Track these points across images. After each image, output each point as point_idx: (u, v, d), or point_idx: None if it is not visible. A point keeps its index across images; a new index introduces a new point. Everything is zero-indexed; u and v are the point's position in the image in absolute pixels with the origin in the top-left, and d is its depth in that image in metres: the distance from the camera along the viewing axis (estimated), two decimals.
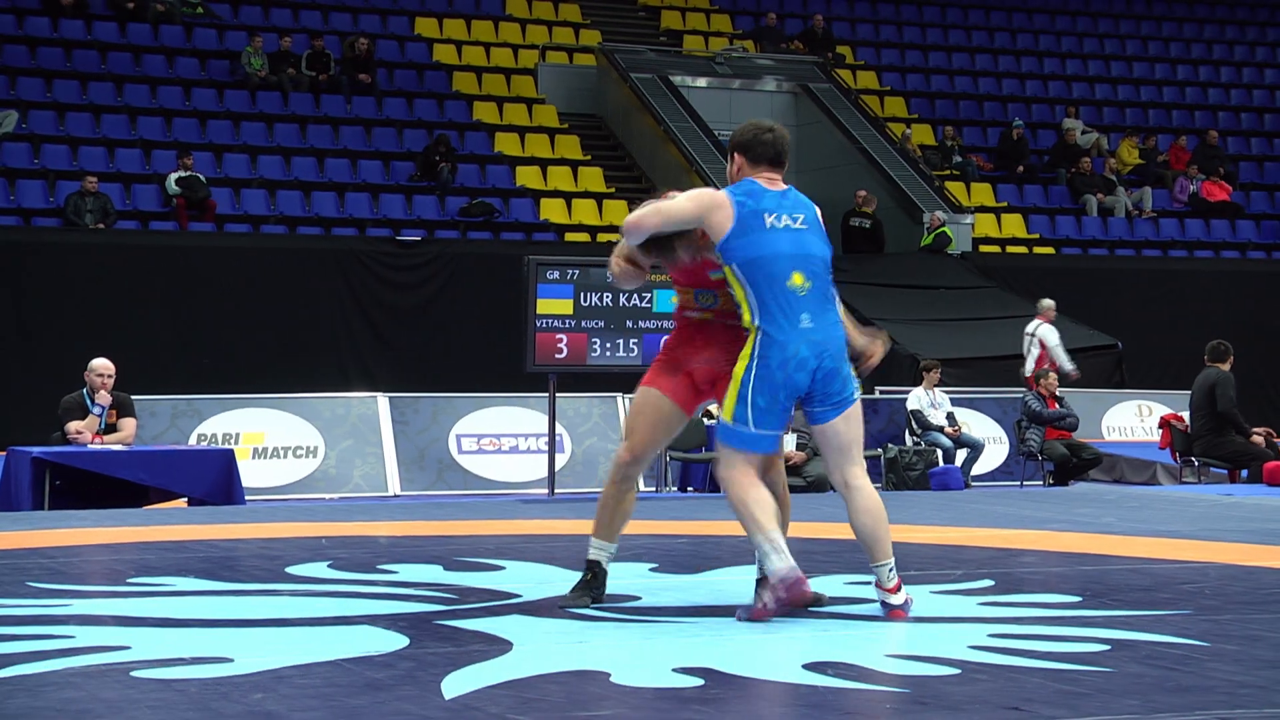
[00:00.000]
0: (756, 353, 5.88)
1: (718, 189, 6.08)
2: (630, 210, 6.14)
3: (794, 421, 14.95)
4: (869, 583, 6.68)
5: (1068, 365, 18.13)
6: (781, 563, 5.78)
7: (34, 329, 18.01)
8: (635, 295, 12.65)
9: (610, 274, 6.31)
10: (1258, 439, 14.74)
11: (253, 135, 22.28)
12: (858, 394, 6.12)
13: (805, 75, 26.53)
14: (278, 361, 18.56)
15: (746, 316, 5.91)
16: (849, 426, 6.04)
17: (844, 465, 6.03)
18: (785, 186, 6.10)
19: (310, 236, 20.46)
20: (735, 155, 6.12)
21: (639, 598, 6.42)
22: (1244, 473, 14.81)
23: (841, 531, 8.94)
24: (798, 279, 5.91)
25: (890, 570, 5.91)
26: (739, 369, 5.90)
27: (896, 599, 5.89)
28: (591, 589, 6.21)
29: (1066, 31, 30.86)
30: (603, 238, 21.73)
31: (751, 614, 5.83)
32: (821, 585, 6.66)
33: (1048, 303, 18.73)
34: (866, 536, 5.96)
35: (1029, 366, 18.01)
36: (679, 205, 5.98)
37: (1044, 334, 18.30)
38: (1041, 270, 23.30)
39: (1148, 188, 26.25)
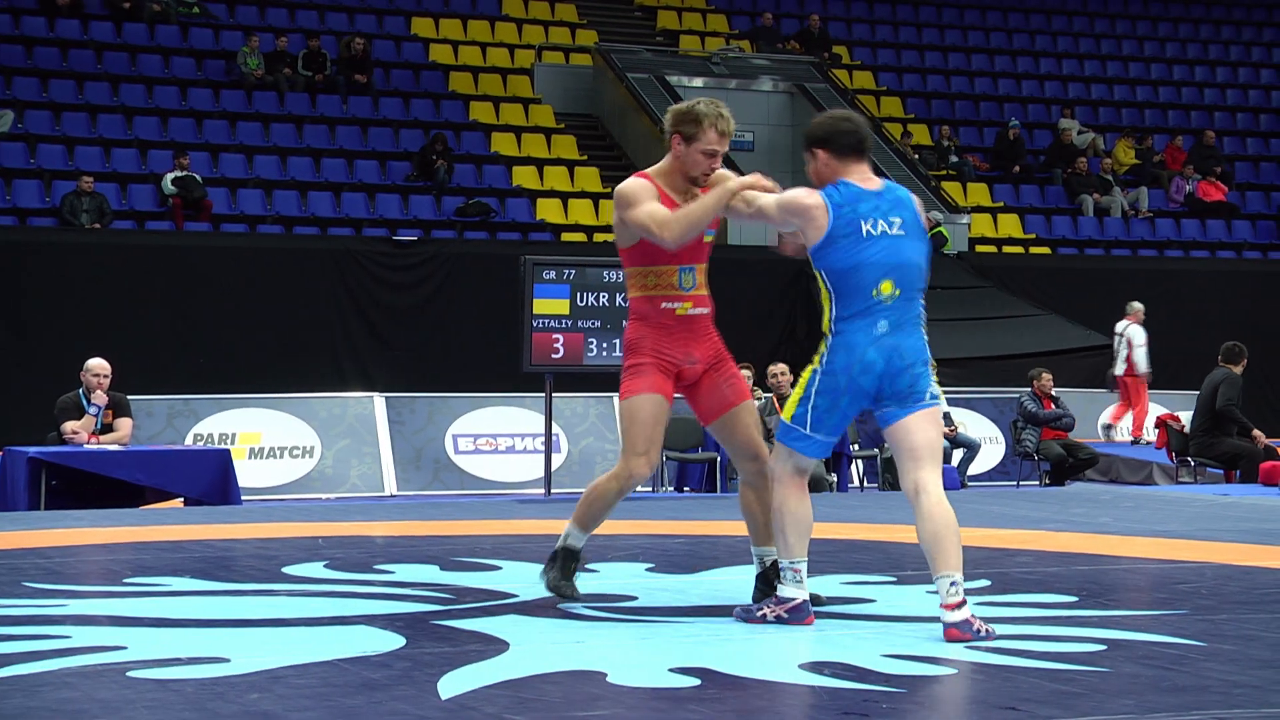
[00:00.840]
0: (826, 355, 5.78)
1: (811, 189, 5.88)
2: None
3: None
4: (866, 582, 6.69)
5: (1144, 367, 18.27)
6: (797, 592, 5.76)
7: (30, 329, 18.00)
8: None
9: (659, 228, 5.96)
10: (1260, 437, 14.70)
11: (249, 135, 22.27)
12: (939, 400, 5.94)
13: (801, 75, 26.53)
14: (274, 362, 18.55)
15: (826, 320, 5.81)
16: (921, 429, 5.79)
17: (914, 469, 5.75)
18: (882, 184, 5.91)
19: (306, 236, 20.45)
20: (817, 151, 5.86)
21: (636, 598, 6.42)
22: (1236, 473, 14.82)
23: (837, 531, 8.95)
24: (886, 288, 5.79)
25: (953, 585, 5.52)
26: (806, 371, 5.84)
27: (954, 616, 5.48)
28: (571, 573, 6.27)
29: (1063, 31, 30.87)
30: (599, 238, 21.73)
31: (749, 618, 5.82)
32: (818, 585, 6.66)
33: (1137, 305, 18.80)
34: (929, 545, 5.64)
35: (1119, 367, 18.14)
36: (769, 209, 5.91)
37: (1133, 334, 18.37)
38: (1038, 270, 23.31)
39: (1144, 188, 26.26)
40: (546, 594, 6.42)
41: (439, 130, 22.74)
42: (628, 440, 6.15)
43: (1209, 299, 23.06)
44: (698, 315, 6.19)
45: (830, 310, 5.81)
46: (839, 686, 4.65)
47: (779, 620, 5.73)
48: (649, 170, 6.19)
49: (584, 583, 6.85)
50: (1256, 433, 14.75)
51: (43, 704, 4.36)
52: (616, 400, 6.15)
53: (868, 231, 5.78)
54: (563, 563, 6.25)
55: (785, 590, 5.77)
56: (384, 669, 4.88)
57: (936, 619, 5.88)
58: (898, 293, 5.81)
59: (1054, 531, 9.22)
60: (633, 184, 6.10)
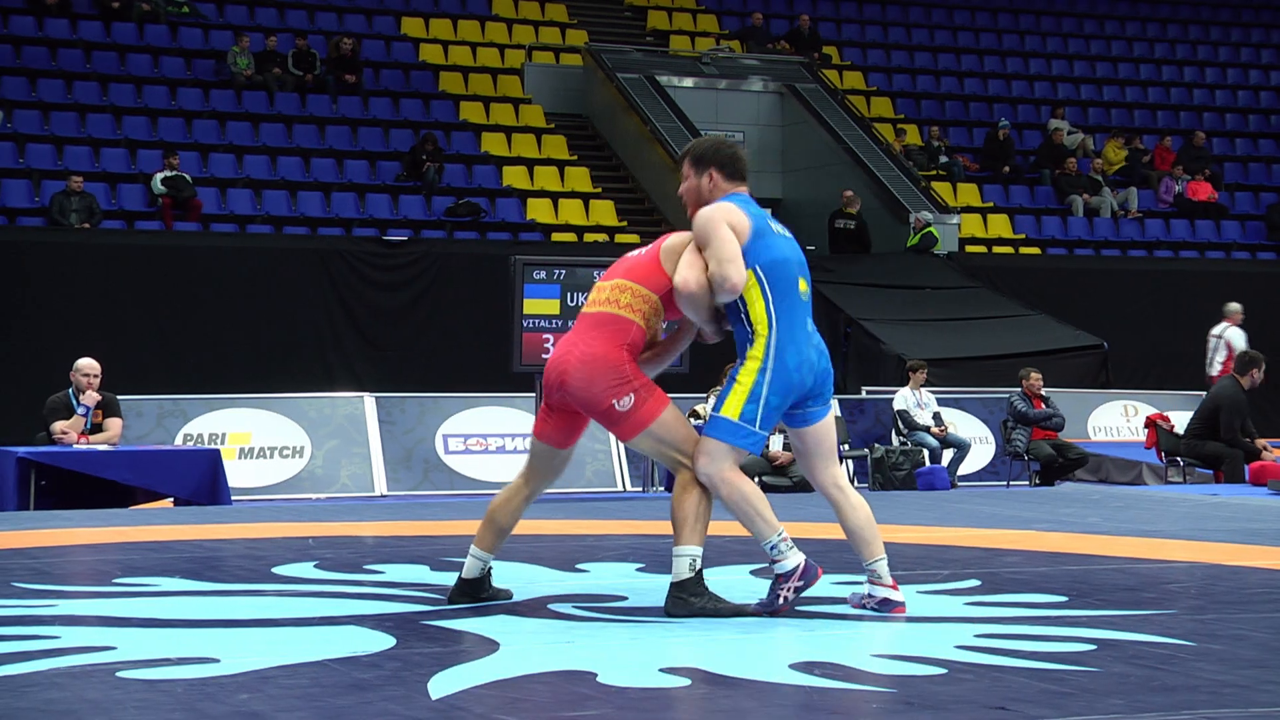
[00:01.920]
0: (772, 354, 5.86)
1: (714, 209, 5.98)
2: (619, 217, 6.13)
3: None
4: (856, 583, 6.69)
5: None
6: (797, 557, 5.88)
7: (19, 328, 17.97)
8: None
9: (731, 263, 5.85)
10: (1266, 451, 14.59)
11: (238, 135, 22.25)
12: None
13: (791, 75, 26.55)
14: (264, 362, 18.54)
15: (762, 319, 5.87)
16: (832, 427, 6.16)
17: (830, 467, 6.09)
18: None
19: (296, 236, 20.43)
20: (712, 172, 6.05)
21: (626, 598, 6.42)
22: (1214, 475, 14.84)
23: (828, 531, 8.95)
24: (803, 285, 6.00)
25: (886, 565, 5.99)
26: (750, 371, 5.86)
27: (899, 595, 5.96)
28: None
29: (1052, 32, 30.91)
30: (589, 238, 21.74)
31: (775, 610, 5.87)
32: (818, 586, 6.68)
33: (1235, 306, 18.66)
34: (864, 534, 6.00)
35: (1215, 368, 18.02)
36: (729, 239, 5.88)
37: (1231, 336, 18.25)
38: (1027, 270, 23.34)
39: (1133, 188, 26.31)
40: (536, 594, 6.42)
41: (429, 130, 22.74)
42: (682, 450, 5.97)
43: (1198, 299, 23.07)
44: None
45: (765, 306, 5.89)
46: (829, 686, 4.65)
47: (797, 592, 5.85)
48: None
49: (575, 583, 6.85)
50: (1264, 445, 14.61)
51: (31, 704, 4.35)
52: (646, 430, 5.98)
53: (777, 231, 6.04)
54: (699, 585, 5.93)
55: (787, 562, 5.87)
56: (374, 669, 4.88)
57: (925, 619, 5.89)
58: (808, 290, 6.03)
59: (1044, 531, 9.23)
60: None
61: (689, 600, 5.87)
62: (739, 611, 5.89)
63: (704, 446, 5.92)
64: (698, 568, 5.90)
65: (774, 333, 5.88)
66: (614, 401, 5.93)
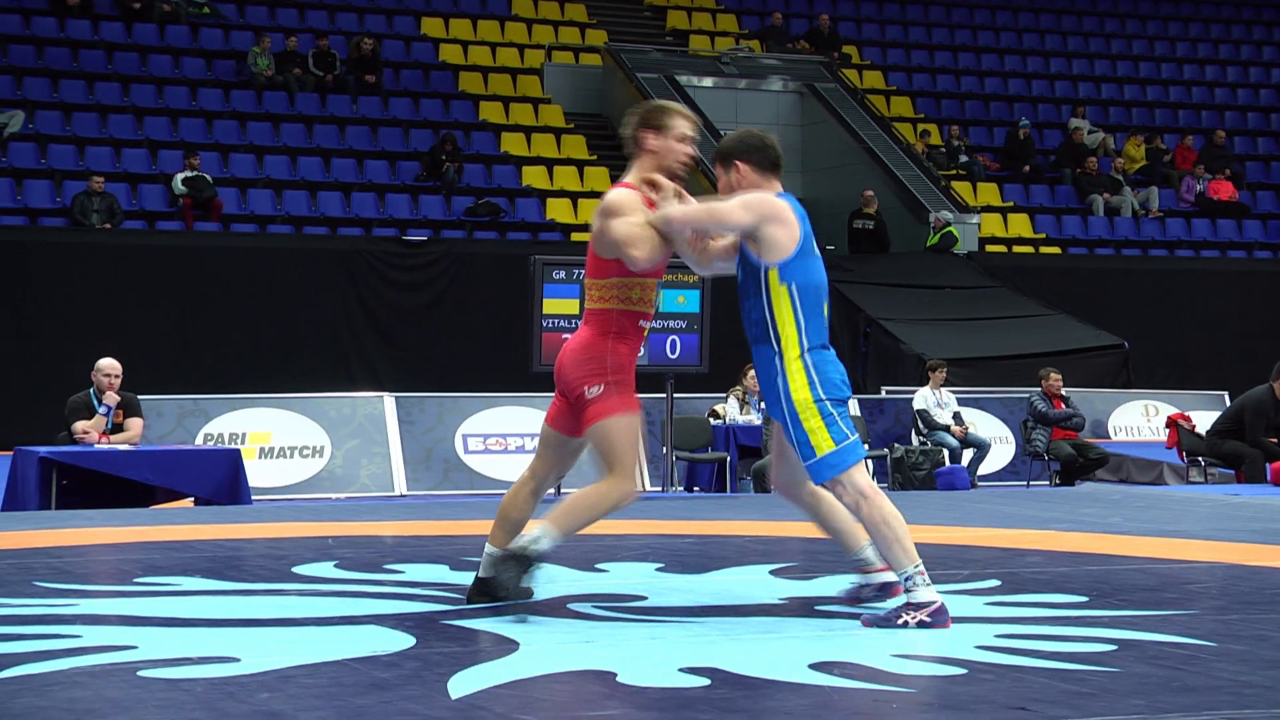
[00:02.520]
0: (815, 372, 5.75)
1: (770, 196, 5.83)
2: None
3: None
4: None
5: None
6: (934, 594, 5.67)
7: (41, 329, 18.03)
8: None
9: (629, 246, 5.82)
10: None
11: (259, 135, 22.30)
12: None
13: (811, 75, 26.53)
14: (284, 361, 18.57)
15: (792, 340, 5.75)
16: None
17: (807, 481, 6.00)
18: None
19: (316, 236, 20.47)
20: (739, 164, 5.89)
21: (645, 597, 6.41)
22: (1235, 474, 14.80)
23: None
24: (825, 309, 5.89)
25: (872, 548, 5.95)
26: (805, 396, 5.71)
27: (893, 575, 5.84)
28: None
29: (1073, 31, 30.84)
30: None
31: (889, 624, 5.64)
32: (827, 585, 6.67)
33: None
34: (848, 526, 5.99)
35: None
36: (734, 213, 5.77)
37: None
38: (1047, 270, 23.29)
39: (1154, 187, 26.23)
40: (555, 594, 6.41)
41: (448, 130, 22.76)
42: (621, 460, 5.92)
43: (1220, 299, 23.04)
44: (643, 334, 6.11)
45: (797, 327, 5.76)
46: (849, 686, 4.65)
47: (921, 625, 5.58)
48: (627, 180, 6.04)
49: (594, 582, 6.85)
50: None
51: (53, 703, 4.36)
52: (603, 421, 5.94)
53: (817, 249, 5.91)
54: (525, 566, 5.84)
55: (924, 594, 5.64)
56: (394, 669, 4.88)
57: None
58: (828, 314, 5.94)
59: (1064, 531, 9.21)
60: (623, 194, 5.94)
61: (502, 566, 5.85)
62: (521, 596, 5.86)
63: (833, 486, 5.75)
64: (538, 548, 5.80)
65: (808, 355, 5.75)
66: (586, 388, 5.95)
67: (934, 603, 5.64)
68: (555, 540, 5.86)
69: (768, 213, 5.77)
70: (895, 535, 5.66)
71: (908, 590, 5.67)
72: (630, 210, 5.88)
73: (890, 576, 5.94)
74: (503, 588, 5.86)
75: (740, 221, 5.78)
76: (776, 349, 5.79)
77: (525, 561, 5.83)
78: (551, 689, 4.61)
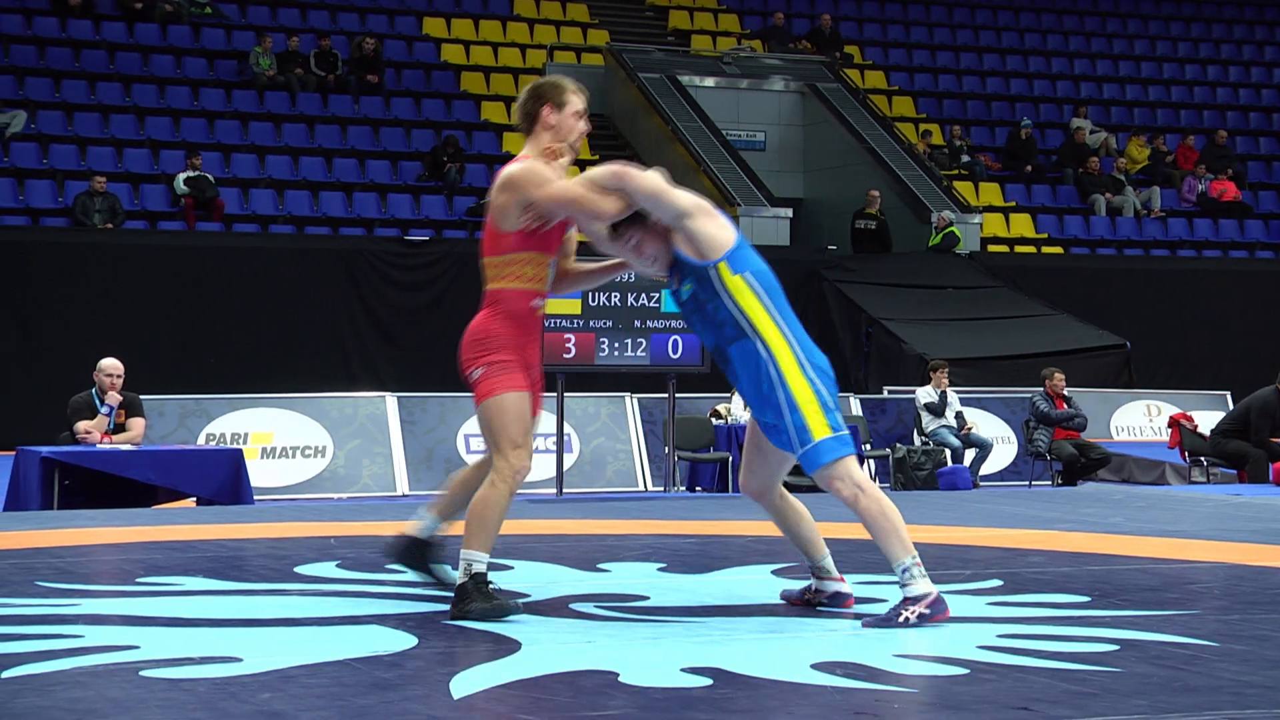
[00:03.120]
0: (803, 360, 5.68)
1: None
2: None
3: None
4: (878, 582, 6.69)
5: None
6: (929, 586, 5.63)
7: (43, 329, 18.04)
8: (644, 295, 12.66)
9: (592, 203, 5.73)
10: None
11: (261, 135, 22.30)
12: None
13: (813, 75, 26.53)
14: (286, 361, 18.58)
15: (770, 327, 5.66)
16: None
17: (782, 479, 6.08)
18: None
19: (318, 236, 20.48)
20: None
21: (647, 597, 6.41)
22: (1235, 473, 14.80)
23: (850, 531, 8.94)
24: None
25: (832, 560, 6.11)
26: (799, 384, 5.62)
27: (848, 587, 6.08)
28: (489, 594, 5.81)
29: (1074, 31, 30.84)
30: None
31: (890, 624, 5.61)
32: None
33: None
34: (812, 535, 6.07)
35: None
36: (680, 197, 5.71)
37: None
38: (1049, 270, 23.29)
39: (1156, 187, 26.23)
40: (557, 594, 6.42)
41: (450, 130, 22.76)
42: (504, 434, 5.78)
43: (1222, 299, 23.03)
44: (541, 314, 6.06)
45: (770, 315, 5.67)
46: (851, 686, 4.65)
47: (921, 619, 5.56)
48: (525, 155, 5.98)
49: (596, 582, 6.86)
50: None
51: (55, 703, 4.36)
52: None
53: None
54: (480, 590, 5.75)
55: (919, 587, 5.61)
56: (396, 669, 4.89)
57: (948, 619, 5.88)
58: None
59: (1066, 531, 9.21)
60: (533, 165, 5.88)
61: (463, 608, 5.72)
62: (515, 610, 5.76)
63: (829, 475, 5.64)
64: (473, 572, 5.71)
65: (792, 343, 5.69)
66: (469, 371, 5.94)
67: (930, 594, 5.60)
68: (482, 557, 5.76)
69: (703, 204, 5.76)
70: (893, 526, 5.63)
71: (905, 584, 5.63)
72: (548, 177, 5.82)
73: (842, 587, 6.03)
74: (482, 614, 5.72)
75: (678, 205, 5.69)
76: (758, 341, 5.68)
77: (477, 585, 5.75)
78: (553, 689, 4.61)
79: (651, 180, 5.71)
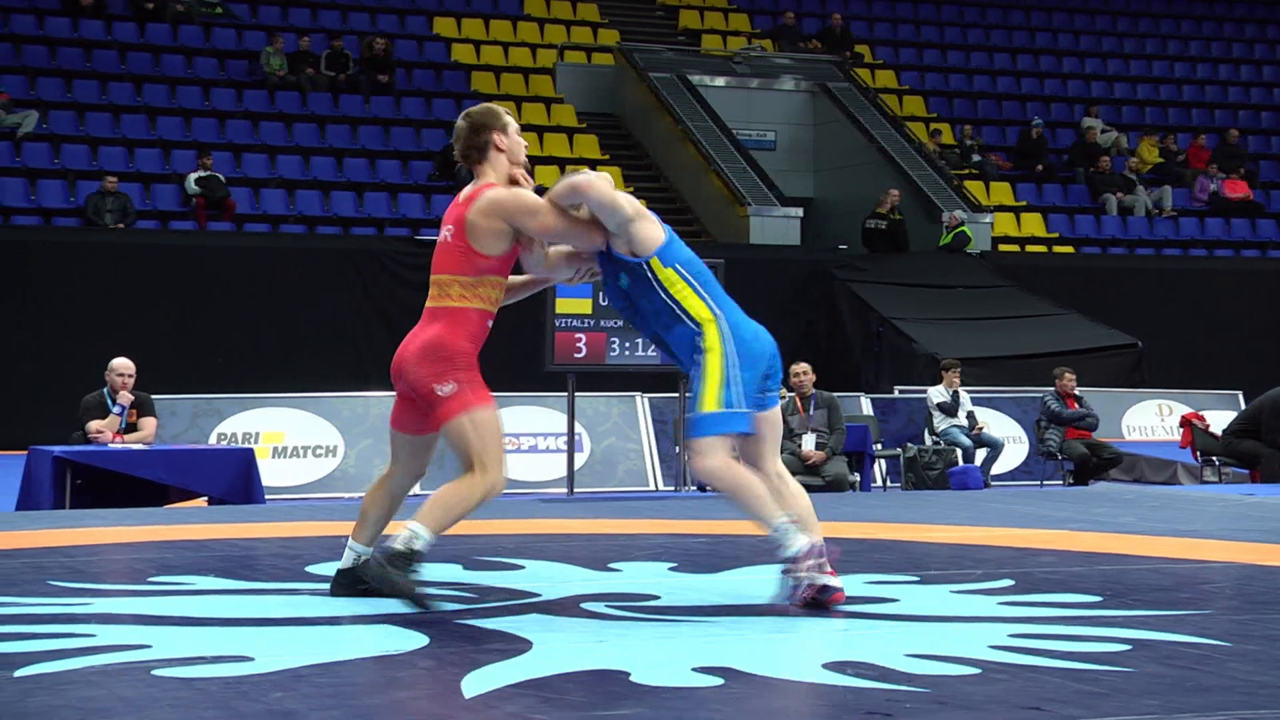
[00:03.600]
0: (728, 334, 5.92)
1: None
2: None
3: (814, 421, 14.79)
4: (889, 582, 6.68)
5: None
6: (804, 537, 5.83)
7: (54, 328, 18.07)
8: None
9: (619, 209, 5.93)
10: None
11: (271, 135, 22.33)
12: None
13: (823, 74, 26.52)
14: (297, 361, 18.60)
15: (702, 308, 5.93)
16: (779, 415, 6.17)
17: (775, 456, 6.13)
18: None
19: (329, 236, 20.50)
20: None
21: (658, 597, 6.41)
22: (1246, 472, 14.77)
23: (861, 531, 8.94)
24: (714, 277, 6.13)
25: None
26: (714, 362, 5.87)
27: (838, 581, 5.99)
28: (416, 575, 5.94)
29: (1085, 30, 30.80)
30: None
31: (793, 598, 5.84)
32: (843, 585, 6.67)
33: None
34: (809, 514, 6.07)
35: None
36: (625, 204, 5.94)
37: None
38: (1061, 269, 23.26)
39: (1167, 186, 26.19)
40: (569, 593, 6.41)
41: None
42: (488, 450, 5.95)
43: (1233, 298, 23.00)
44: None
45: (700, 297, 5.96)
46: (862, 686, 4.64)
47: (810, 571, 5.79)
48: (490, 182, 6.08)
49: (607, 582, 6.86)
50: None
51: (66, 702, 4.37)
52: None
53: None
54: (411, 567, 5.84)
55: (797, 543, 5.82)
56: (407, 668, 4.89)
57: (958, 618, 5.88)
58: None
59: (1077, 531, 9.20)
60: (521, 193, 6.02)
61: (389, 573, 5.79)
62: (428, 602, 5.80)
63: (696, 447, 5.88)
64: (415, 548, 5.81)
65: (720, 316, 5.95)
66: (435, 386, 5.97)
67: (809, 544, 5.80)
68: (429, 538, 5.88)
69: (640, 207, 6.03)
70: (755, 495, 5.83)
71: (783, 545, 5.81)
72: (538, 206, 5.97)
73: (833, 581, 5.97)
74: (392, 586, 5.81)
75: (625, 211, 5.92)
76: (691, 324, 5.96)
77: (406, 559, 5.84)
78: (564, 688, 4.61)
79: (603, 188, 5.94)
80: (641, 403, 15.66)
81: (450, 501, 5.96)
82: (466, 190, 6.16)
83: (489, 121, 6.14)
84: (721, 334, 5.92)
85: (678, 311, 5.97)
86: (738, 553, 8.06)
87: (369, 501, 6.32)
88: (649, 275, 5.98)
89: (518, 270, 6.34)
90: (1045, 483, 16.40)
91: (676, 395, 13.90)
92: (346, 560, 6.23)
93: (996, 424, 17.30)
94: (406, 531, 5.87)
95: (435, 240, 6.31)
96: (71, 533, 8.91)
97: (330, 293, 19.35)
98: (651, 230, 6.00)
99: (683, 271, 5.99)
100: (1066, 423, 16.18)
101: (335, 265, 19.48)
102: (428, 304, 6.21)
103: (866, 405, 16.61)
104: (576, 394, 13.37)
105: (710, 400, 5.86)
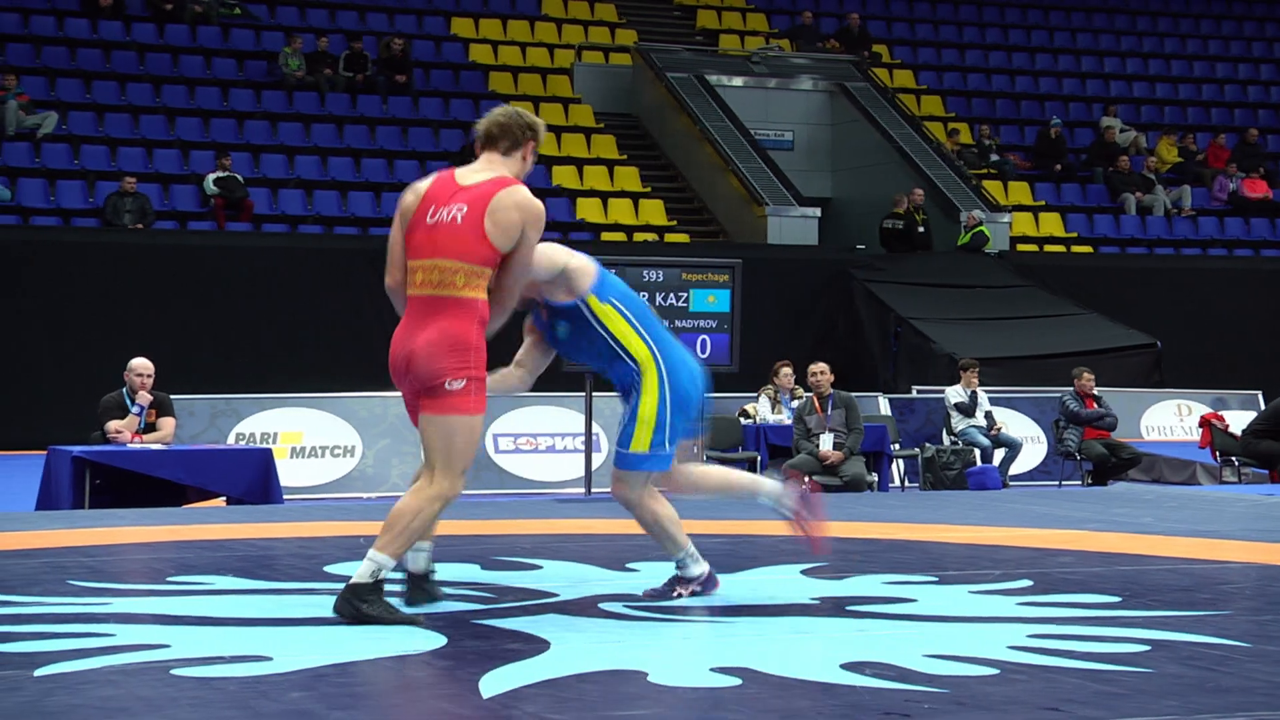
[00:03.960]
0: (666, 383, 6.11)
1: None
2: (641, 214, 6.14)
3: (831, 421, 14.75)
4: (907, 582, 6.68)
5: None
6: (700, 568, 6.25)
7: (73, 329, 18.12)
8: (672, 295, 12.67)
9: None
10: None
11: (290, 136, 22.37)
12: None
13: (841, 74, 26.49)
14: (315, 361, 18.61)
15: (641, 348, 6.09)
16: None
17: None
18: None
19: (347, 236, 20.52)
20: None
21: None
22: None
23: (879, 531, 8.93)
24: (647, 304, 6.32)
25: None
26: (649, 403, 6.08)
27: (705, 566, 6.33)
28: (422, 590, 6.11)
29: (1104, 29, 30.73)
30: (639, 237, 21.74)
31: (662, 598, 6.19)
32: (859, 585, 6.66)
33: None
34: (727, 487, 6.58)
35: None
36: (556, 251, 6.15)
37: None
38: (1079, 269, 23.21)
39: (1186, 186, 26.12)
40: (586, 594, 6.41)
41: None
42: (462, 459, 5.83)
43: (1253, 298, 22.92)
44: None
45: (639, 335, 6.13)
46: (881, 686, 4.64)
47: (693, 594, 6.19)
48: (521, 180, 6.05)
49: (625, 582, 6.85)
50: None
51: (86, 701, 4.38)
52: (459, 417, 5.86)
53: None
54: (379, 595, 5.64)
55: (693, 569, 6.23)
56: (425, 668, 4.89)
57: (977, 619, 5.86)
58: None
59: (1096, 531, 9.18)
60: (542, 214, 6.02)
61: (358, 605, 5.60)
62: (410, 621, 5.63)
63: (619, 476, 6.18)
64: (380, 578, 5.66)
65: (659, 360, 6.12)
66: (447, 378, 5.82)
67: (702, 573, 6.24)
68: (391, 565, 5.71)
69: (567, 250, 6.22)
70: (665, 530, 6.21)
71: (681, 568, 6.23)
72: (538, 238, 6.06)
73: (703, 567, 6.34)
74: (363, 617, 5.59)
75: (557, 263, 6.10)
76: (631, 363, 6.14)
77: (373, 590, 5.64)
78: (583, 688, 4.61)
79: (538, 253, 6.00)
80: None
81: (406, 523, 5.77)
82: (478, 175, 5.95)
83: (537, 131, 6.11)
84: (660, 379, 6.11)
85: (617, 350, 6.13)
86: (755, 553, 8.05)
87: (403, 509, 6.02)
88: (586, 314, 6.11)
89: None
90: (1064, 483, 16.36)
91: None
92: (418, 564, 6.16)
93: (1015, 424, 17.26)
94: (370, 564, 5.66)
95: None
96: (91, 532, 8.93)
97: (347, 293, 19.35)
98: (586, 265, 6.14)
99: (619, 306, 6.12)
100: (1085, 423, 16.15)
101: (353, 266, 19.48)
102: (422, 292, 5.94)
103: (884, 405, 16.59)
104: (594, 394, 13.37)
105: (641, 441, 6.11)
